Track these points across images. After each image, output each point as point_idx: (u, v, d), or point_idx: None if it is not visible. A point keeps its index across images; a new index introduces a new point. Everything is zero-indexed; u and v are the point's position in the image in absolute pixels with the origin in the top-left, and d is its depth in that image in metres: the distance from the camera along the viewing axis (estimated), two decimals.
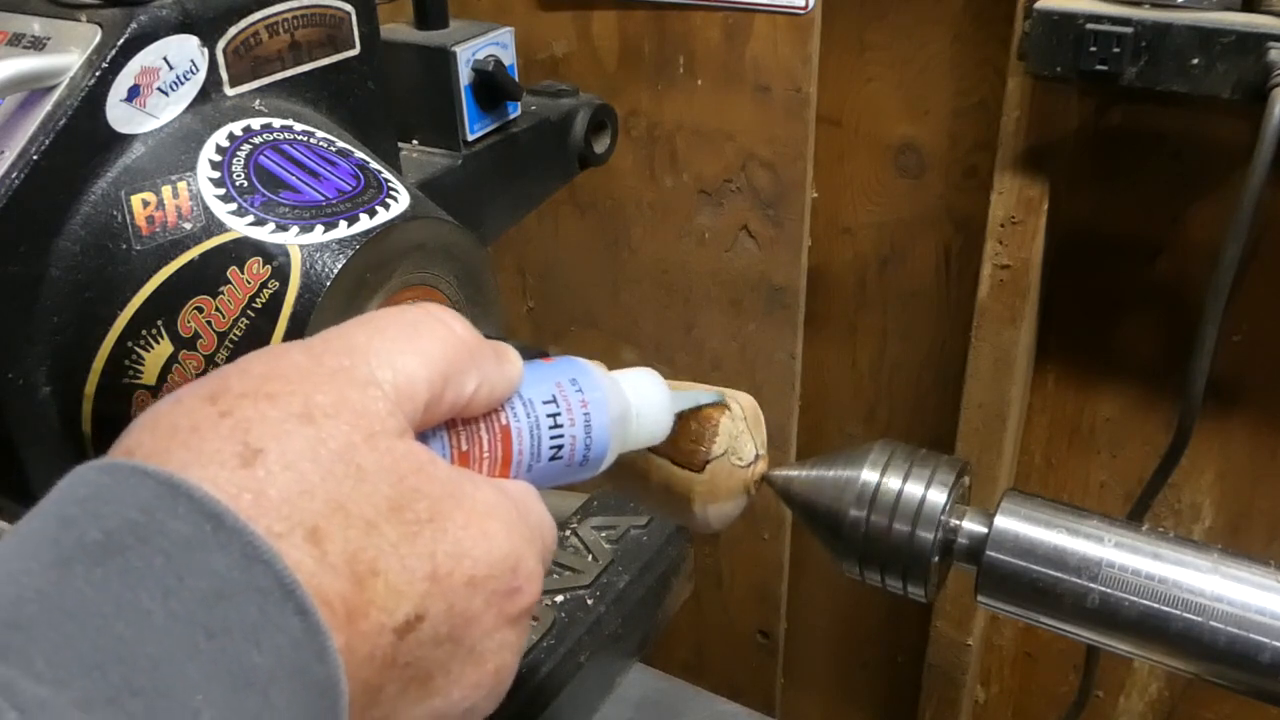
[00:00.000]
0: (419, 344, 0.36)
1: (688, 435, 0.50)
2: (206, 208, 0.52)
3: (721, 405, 0.52)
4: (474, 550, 0.34)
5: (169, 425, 0.31)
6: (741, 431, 0.51)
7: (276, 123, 0.56)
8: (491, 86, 0.83)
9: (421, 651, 0.32)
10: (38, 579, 0.27)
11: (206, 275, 0.51)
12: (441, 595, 0.33)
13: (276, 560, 0.28)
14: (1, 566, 0.27)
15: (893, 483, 0.49)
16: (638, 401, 0.46)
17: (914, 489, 0.49)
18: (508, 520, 0.36)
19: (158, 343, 0.50)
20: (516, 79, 0.86)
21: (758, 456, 0.51)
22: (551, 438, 0.41)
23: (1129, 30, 0.89)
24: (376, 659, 0.31)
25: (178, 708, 0.26)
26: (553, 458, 0.41)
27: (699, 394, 0.51)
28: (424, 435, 0.37)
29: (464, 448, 0.38)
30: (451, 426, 0.38)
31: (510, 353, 0.40)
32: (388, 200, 0.55)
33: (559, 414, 0.41)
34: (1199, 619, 0.44)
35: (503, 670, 0.36)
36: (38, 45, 0.52)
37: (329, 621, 0.29)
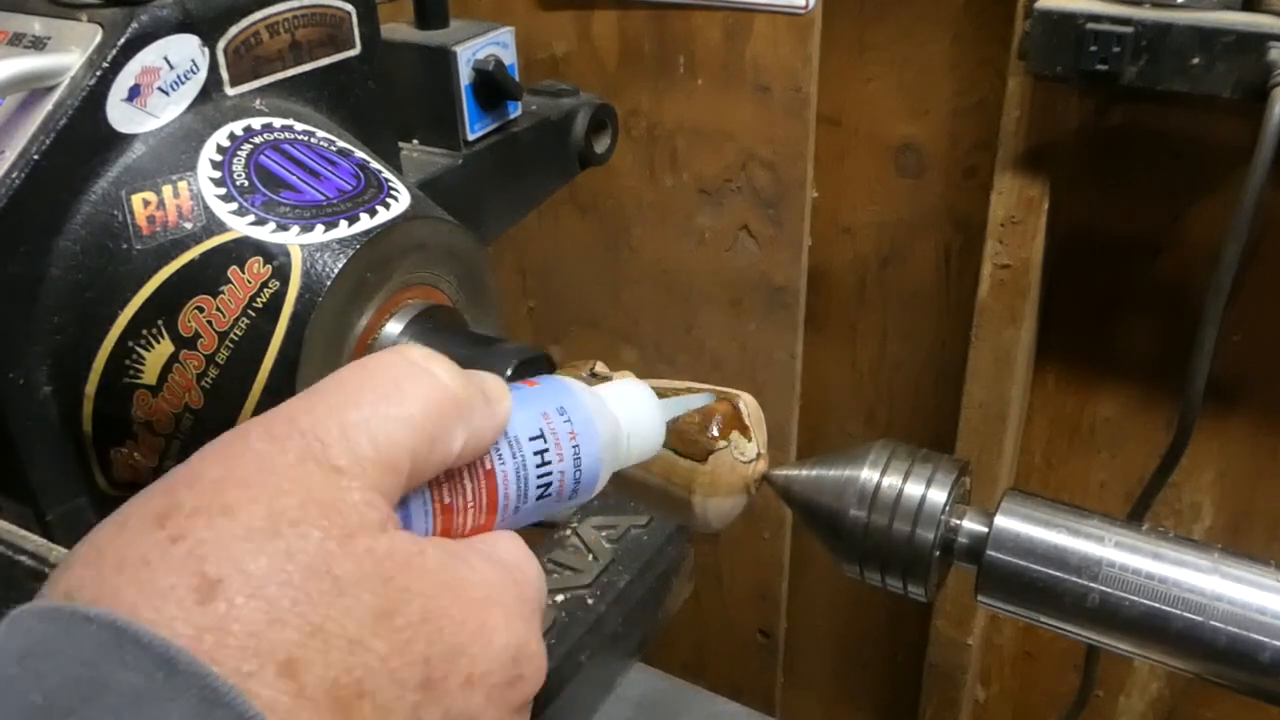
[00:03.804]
0: (401, 406, 0.32)
1: (691, 426, 0.51)
2: (207, 207, 0.52)
3: (717, 405, 0.52)
4: (471, 647, 0.32)
5: (115, 559, 0.28)
6: (746, 427, 0.51)
7: (277, 122, 0.56)
8: (492, 86, 0.83)
9: None
10: None
11: (207, 275, 0.51)
12: (436, 702, 0.31)
13: (239, 701, 0.26)
14: None
15: (893, 482, 0.49)
16: (628, 421, 0.43)
17: (914, 489, 0.49)
18: (506, 604, 0.34)
19: (158, 342, 0.50)
20: (517, 79, 0.86)
21: (758, 455, 0.51)
22: (539, 477, 0.38)
23: (1129, 30, 0.89)
24: None
25: None
26: (540, 496, 0.38)
27: (690, 399, 0.49)
28: (405, 497, 0.34)
29: (446, 500, 0.35)
30: (434, 481, 0.35)
31: (497, 391, 0.37)
32: (388, 200, 0.55)
33: (547, 450, 0.38)
34: (1199, 619, 0.44)
35: None
36: (38, 45, 0.52)
37: None
